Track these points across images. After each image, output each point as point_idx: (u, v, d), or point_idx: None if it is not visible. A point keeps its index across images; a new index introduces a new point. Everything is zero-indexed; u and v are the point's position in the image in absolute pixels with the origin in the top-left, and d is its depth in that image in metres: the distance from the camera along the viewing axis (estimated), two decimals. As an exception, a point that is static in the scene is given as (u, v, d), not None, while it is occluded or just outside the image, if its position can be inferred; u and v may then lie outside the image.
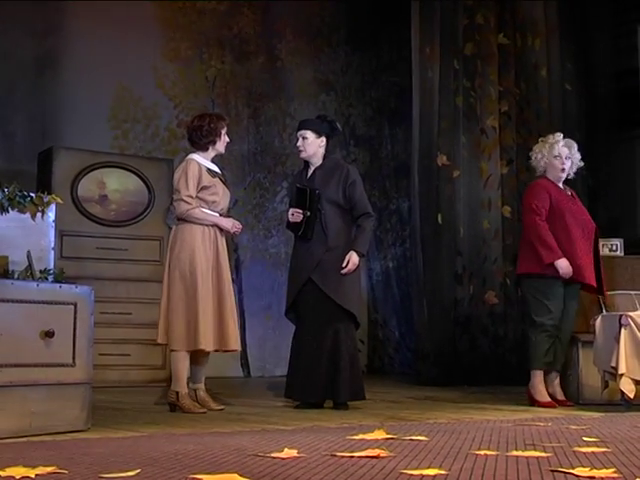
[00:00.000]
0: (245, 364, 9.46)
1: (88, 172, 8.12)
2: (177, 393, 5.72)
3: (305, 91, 10.32)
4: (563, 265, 6.14)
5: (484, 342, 8.61)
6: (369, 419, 5.11)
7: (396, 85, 10.70)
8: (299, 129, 6.10)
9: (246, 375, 9.45)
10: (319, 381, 5.84)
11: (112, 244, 8.12)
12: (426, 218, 8.56)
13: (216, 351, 5.84)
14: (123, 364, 7.90)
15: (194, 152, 5.93)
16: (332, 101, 10.46)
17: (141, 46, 9.31)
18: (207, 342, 5.67)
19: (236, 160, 9.73)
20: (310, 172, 6.09)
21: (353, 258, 5.90)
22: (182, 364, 5.74)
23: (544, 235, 6.18)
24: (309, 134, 6.02)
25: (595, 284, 6.26)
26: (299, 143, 6.06)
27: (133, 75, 9.25)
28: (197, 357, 5.85)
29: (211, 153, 5.94)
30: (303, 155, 6.09)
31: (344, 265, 5.87)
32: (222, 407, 5.82)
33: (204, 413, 5.59)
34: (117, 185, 8.30)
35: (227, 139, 6.00)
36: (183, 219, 5.79)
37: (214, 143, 5.91)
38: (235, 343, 5.82)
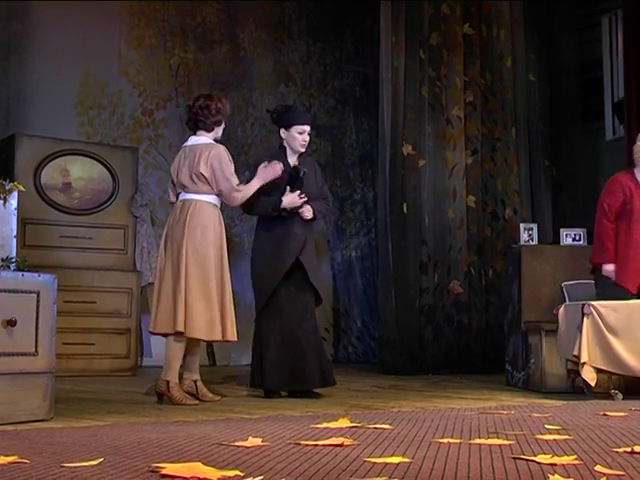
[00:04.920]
0: (210, 353, 9.41)
1: (51, 160, 8.04)
2: (167, 383, 5.48)
3: (266, 81, 10.27)
4: (607, 269, 6.24)
5: (448, 331, 8.64)
6: (333, 408, 5.10)
7: (360, 74, 10.68)
8: (306, 124, 6.08)
9: (211, 364, 9.40)
10: (310, 369, 5.87)
11: (76, 232, 8.03)
12: (391, 207, 8.57)
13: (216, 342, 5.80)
14: (87, 353, 7.83)
15: (195, 135, 5.76)
16: (291, 92, 10.41)
17: (106, 33, 9.22)
18: (234, 333, 5.59)
19: (199, 149, 9.69)
20: (293, 160, 6.07)
21: (309, 209, 5.96)
22: (179, 353, 5.55)
23: (604, 237, 6.28)
24: (309, 129, 6.12)
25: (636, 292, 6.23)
26: (306, 138, 6.05)
27: (99, 62, 9.16)
28: (191, 346, 5.69)
29: (213, 135, 5.78)
30: (304, 150, 6.11)
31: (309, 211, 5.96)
32: (219, 398, 5.68)
33: (196, 405, 5.39)
34: (81, 173, 8.21)
35: (224, 125, 5.88)
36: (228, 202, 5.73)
37: (220, 124, 5.77)
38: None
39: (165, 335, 5.63)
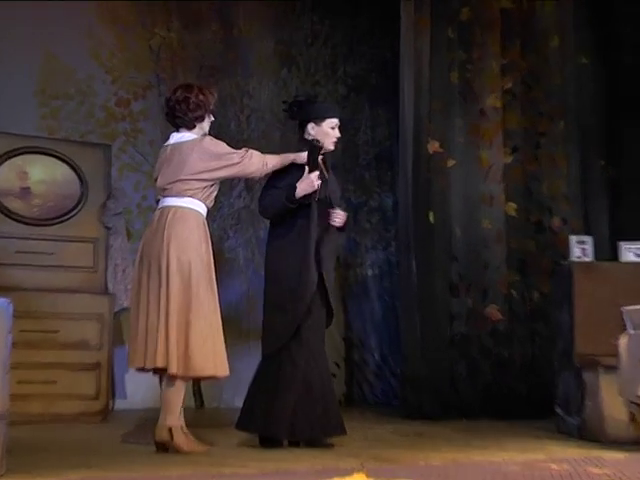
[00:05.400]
0: (197, 392, 9.36)
1: (6, 159, 8.06)
2: (170, 430, 5.55)
3: (265, 66, 10.29)
4: None
5: (485, 366, 8.61)
6: (346, 460, 5.10)
7: (377, 58, 10.65)
8: (336, 117, 6.19)
9: (199, 406, 9.39)
10: (328, 413, 5.88)
11: (35, 247, 8.01)
12: (415, 216, 8.56)
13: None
14: (47, 393, 7.75)
15: (178, 132, 5.92)
16: (294, 79, 10.40)
17: (72, 6, 9.20)
18: (225, 367, 5.75)
19: (184, 147, 9.70)
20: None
21: (341, 215, 6.06)
22: (181, 393, 5.66)
23: None
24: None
25: None
26: (338, 133, 6.17)
27: (64, 42, 9.20)
28: None
29: (197, 132, 5.92)
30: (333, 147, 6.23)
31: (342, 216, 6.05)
32: (207, 448, 5.71)
33: (204, 452, 5.52)
34: (42, 175, 8.23)
35: (212, 118, 6.02)
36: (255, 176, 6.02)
37: (202, 119, 5.91)
38: None
39: (159, 371, 5.67)
